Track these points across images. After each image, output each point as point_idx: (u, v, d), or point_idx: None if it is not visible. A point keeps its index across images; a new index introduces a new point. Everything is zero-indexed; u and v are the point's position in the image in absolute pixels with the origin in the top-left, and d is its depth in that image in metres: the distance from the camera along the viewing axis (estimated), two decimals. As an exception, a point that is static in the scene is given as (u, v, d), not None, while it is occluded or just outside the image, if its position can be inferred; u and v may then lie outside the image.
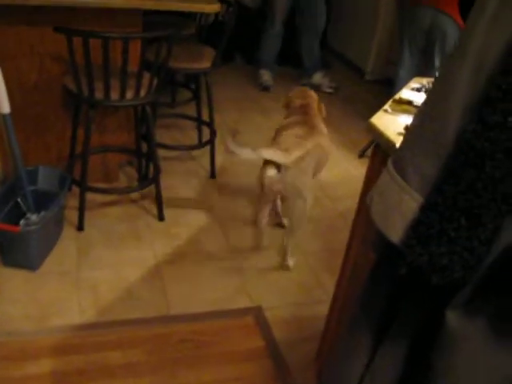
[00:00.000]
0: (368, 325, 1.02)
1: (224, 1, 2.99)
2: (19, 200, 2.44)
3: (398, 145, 1.28)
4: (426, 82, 1.79)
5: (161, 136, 3.52)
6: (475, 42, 0.77)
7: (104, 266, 2.47)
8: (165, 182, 2.98)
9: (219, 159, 3.37)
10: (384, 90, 4.98)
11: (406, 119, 1.48)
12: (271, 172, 2.36)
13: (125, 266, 2.50)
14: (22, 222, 2.37)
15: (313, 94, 2.83)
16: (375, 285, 1.00)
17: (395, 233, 0.85)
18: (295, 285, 2.51)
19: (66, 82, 2.49)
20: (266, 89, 4.77)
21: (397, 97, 1.61)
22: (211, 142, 3.24)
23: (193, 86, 3.79)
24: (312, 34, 4.75)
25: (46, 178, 2.60)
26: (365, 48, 5.29)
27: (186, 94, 4.00)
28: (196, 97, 3.48)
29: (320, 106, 2.80)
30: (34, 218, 2.40)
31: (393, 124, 1.44)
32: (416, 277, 0.81)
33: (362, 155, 3.76)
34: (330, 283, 2.52)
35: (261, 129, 3.97)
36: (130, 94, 2.41)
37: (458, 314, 0.82)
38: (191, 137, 3.73)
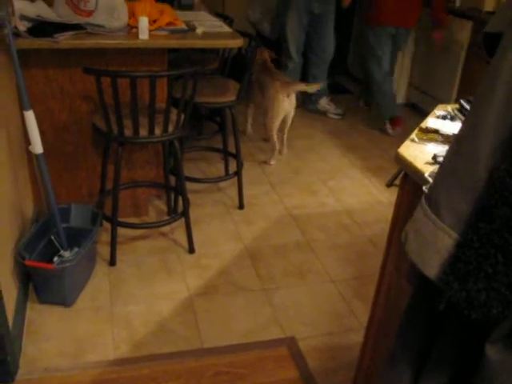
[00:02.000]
0: (406, 359, 1.02)
1: (246, 34, 3.05)
2: (52, 237, 2.48)
3: (427, 174, 1.29)
4: (450, 109, 1.80)
5: (188, 169, 3.57)
6: (503, 78, 0.78)
7: (137, 301, 2.50)
8: (193, 214, 3.02)
9: (246, 190, 3.40)
10: (407, 114, 5.00)
11: (434, 148, 1.48)
12: (287, 100, 3.69)
13: (157, 299, 2.52)
14: (55, 259, 2.40)
15: (264, 52, 4.03)
16: (412, 318, 1.00)
17: (432, 269, 0.86)
18: (326, 313, 2.51)
19: (95, 121, 2.54)
20: None
21: (423, 125, 1.62)
22: (238, 173, 3.27)
23: (218, 119, 3.85)
24: (321, 63, 4.78)
25: (78, 215, 2.65)
26: (386, 73, 5.30)
27: (211, 127, 4.06)
28: (221, 129, 3.53)
29: (270, 54, 4.09)
30: (67, 254, 2.44)
31: (421, 154, 1.45)
32: (454, 311, 0.82)
33: (390, 185, 3.74)
34: (361, 311, 2.51)
35: (284, 156, 4.04)
36: (158, 131, 2.46)
37: (498, 348, 0.81)
38: (218, 168, 3.78)
